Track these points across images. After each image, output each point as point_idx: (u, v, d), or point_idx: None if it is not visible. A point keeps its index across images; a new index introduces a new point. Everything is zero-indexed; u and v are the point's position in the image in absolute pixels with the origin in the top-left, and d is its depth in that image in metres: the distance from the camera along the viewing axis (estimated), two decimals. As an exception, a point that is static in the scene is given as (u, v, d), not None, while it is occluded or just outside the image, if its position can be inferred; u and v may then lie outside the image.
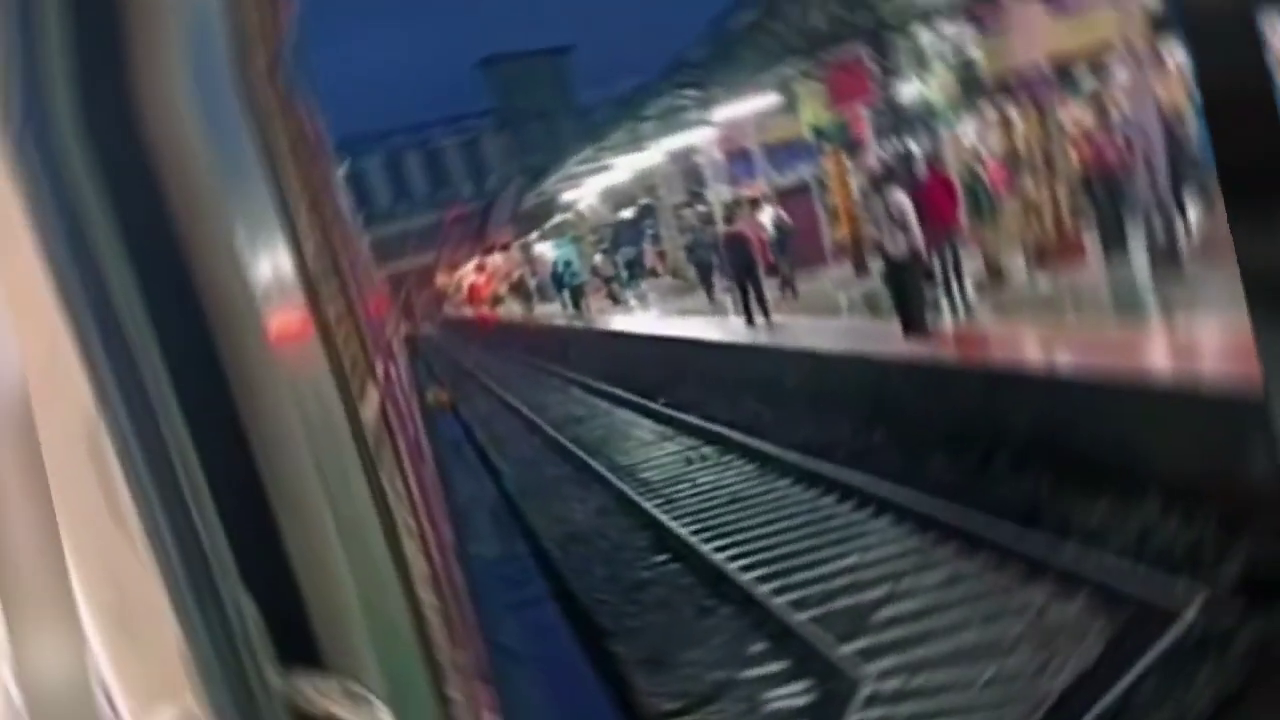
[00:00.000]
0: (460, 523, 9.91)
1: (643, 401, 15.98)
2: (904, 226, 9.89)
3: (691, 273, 24.57)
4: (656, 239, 36.45)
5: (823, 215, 23.20)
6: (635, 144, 23.11)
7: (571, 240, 38.64)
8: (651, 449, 13.29)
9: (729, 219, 18.25)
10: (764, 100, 16.90)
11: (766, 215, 18.74)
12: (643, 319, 23.94)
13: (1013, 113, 11.92)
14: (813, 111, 15.10)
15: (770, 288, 16.22)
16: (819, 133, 15.58)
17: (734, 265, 16.12)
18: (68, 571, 0.48)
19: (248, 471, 0.62)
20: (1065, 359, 8.42)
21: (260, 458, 0.63)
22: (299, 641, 0.62)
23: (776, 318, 15.75)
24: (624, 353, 21.25)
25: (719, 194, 22.68)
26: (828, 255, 22.45)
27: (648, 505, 10.24)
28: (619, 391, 17.59)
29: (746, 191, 22.96)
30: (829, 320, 14.99)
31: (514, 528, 10.34)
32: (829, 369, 11.86)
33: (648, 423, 15.02)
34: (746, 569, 7.77)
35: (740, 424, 12.54)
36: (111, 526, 0.52)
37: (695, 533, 8.96)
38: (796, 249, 20.89)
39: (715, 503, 9.97)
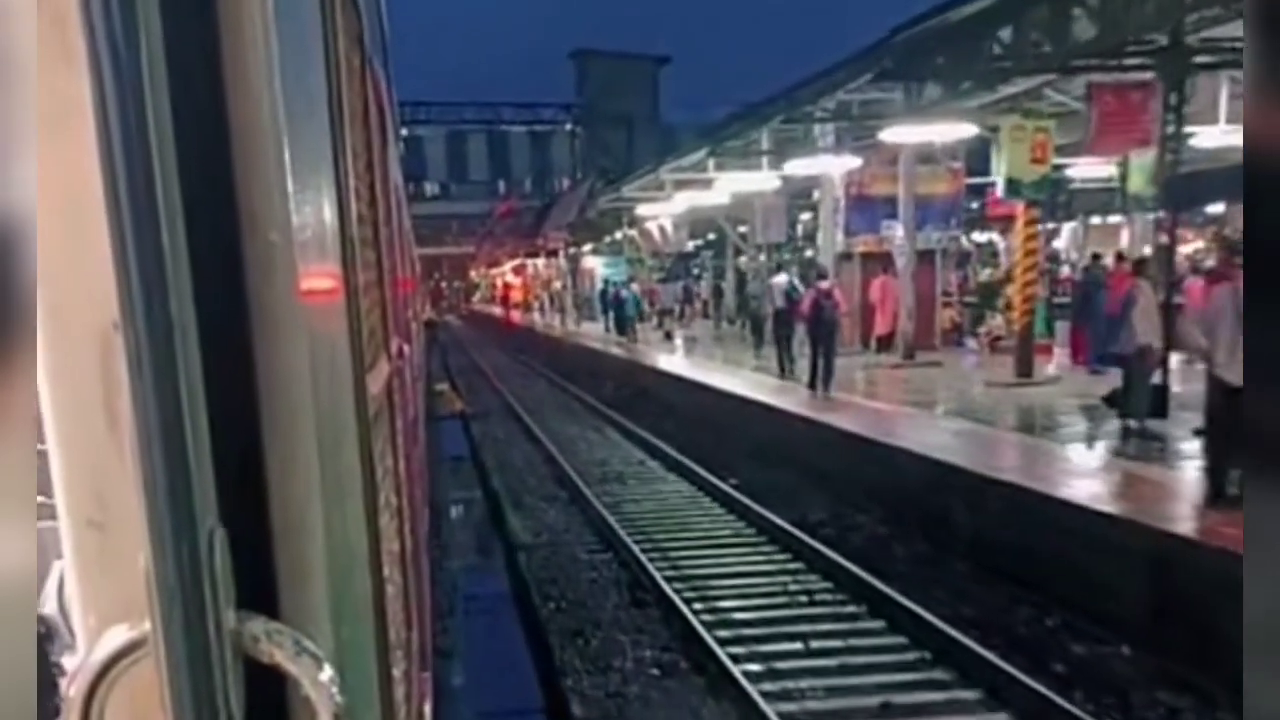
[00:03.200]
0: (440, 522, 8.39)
1: (708, 476, 12.17)
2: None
3: (741, 321, 22.75)
4: (721, 275, 32.95)
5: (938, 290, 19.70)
6: (745, 164, 19.51)
7: (628, 261, 35.06)
8: (728, 556, 9.40)
9: (822, 274, 15.75)
10: (938, 131, 13.29)
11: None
12: (692, 364, 20.31)
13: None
14: (1015, 157, 11.49)
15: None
16: (1013, 187, 11.97)
17: (817, 326, 13.90)
18: (58, 478, 0.55)
19: (248, 412, 0.62)
20: None
21: (262, 402, 0.63)
22: (260, 589, 0.61)
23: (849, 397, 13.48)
24: (676, 401, 17.56)
25: (832, 240, 19.01)
26: (937, 339, 18.99)
27: (738, 673, 6.46)
28: (673, 452, 13.79)
29: (861, 246, 19.37)
30: (953, 421, 11.35)
31: (525, 664, 6.54)
32: (1017, 506, 8.11)
33: (716, 509, 11.21)
34: None
35: (855, 551, 8.81)
36: (106, 438, 0.55)
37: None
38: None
39: (857, 696, 6.17)
